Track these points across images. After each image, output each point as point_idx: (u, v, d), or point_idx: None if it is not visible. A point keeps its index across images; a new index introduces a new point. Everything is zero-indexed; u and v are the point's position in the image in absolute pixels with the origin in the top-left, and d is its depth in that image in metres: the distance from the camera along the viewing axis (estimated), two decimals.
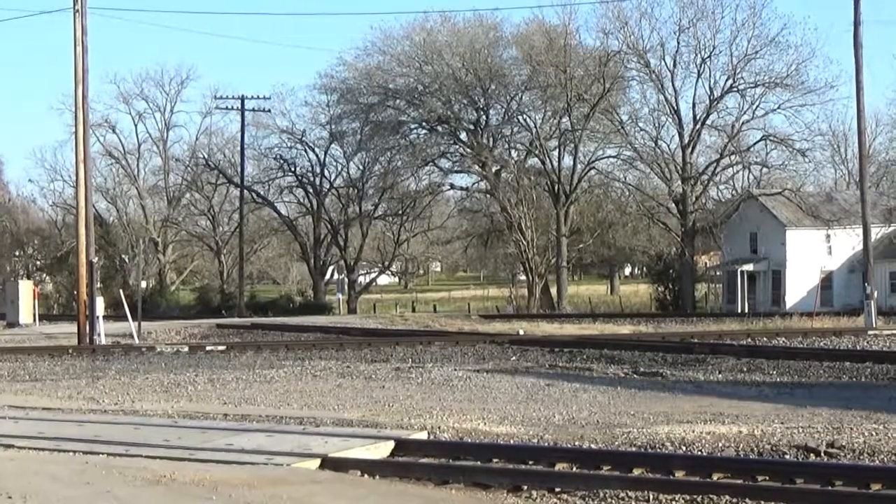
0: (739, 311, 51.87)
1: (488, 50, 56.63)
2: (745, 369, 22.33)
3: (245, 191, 64.27)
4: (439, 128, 58.71)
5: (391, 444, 13.23)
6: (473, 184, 61.54)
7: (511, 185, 56.44)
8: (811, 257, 53.65)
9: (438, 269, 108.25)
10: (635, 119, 56.14)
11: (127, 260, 69.55)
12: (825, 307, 48.28)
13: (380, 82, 58.11)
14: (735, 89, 53.43)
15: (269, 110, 64.82)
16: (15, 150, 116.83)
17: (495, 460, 12.46)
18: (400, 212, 63.17)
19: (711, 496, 10.57)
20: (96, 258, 36.07)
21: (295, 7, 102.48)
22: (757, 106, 53.67)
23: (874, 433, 13.66)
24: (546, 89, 55.29)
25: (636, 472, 11.60)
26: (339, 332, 36.26)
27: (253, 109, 64.36)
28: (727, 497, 10.53)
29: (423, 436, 14.05)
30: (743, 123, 54.18)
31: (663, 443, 13.38)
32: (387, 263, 69.93)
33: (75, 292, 37.39)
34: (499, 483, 11.48)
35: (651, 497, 10.70)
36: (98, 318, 33.50)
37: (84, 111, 34.26)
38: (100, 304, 33.91)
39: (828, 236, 53.84)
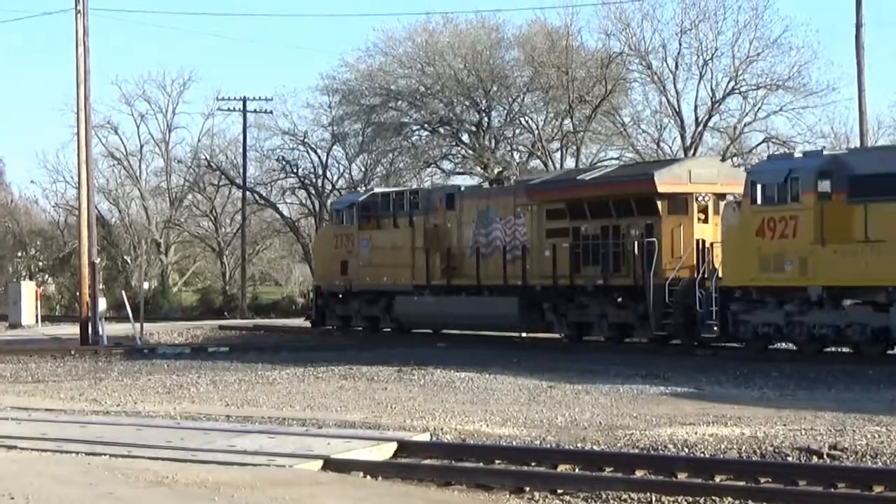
0: None
1: (490, 51, 56.54)
2: (747, 371, 22.32)
3: (247, 192, 64.31)
4: (441, 129, 58.65)
5: (394, 446, 13.25)
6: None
7: None
8: None
9: None
10: (637, 121, 56.02)
11: (129, 261, 69.54)
12: None
13: (382, 84, 58.05)
14: (737, 91, 53.30)
15: (271, 112, 64.84)
16: (17, 152, 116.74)
17: (498, 462, 12.47)
18: None
19: (714, 498, 10.58)
20: (98, 259, 36.09)
21: (297, 9, 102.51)
22: (759, 108, 53.53)
23: (876, 435, 13.67)
24: (548, 91, 55.21)
25: (639, 473, 11.62)
26: (342, 333, 36.23)
27: (255, 111, 64.37)
28: (730, 499, 10.54)
29: (425, 437, 14.07)
30: (745, 125, 54.08)
31: (666, 445, 13.39)
32: None
33: (77, 293, 37.38)
34: (501, 484, 11.50)
35: (654, 499, 10.71)
36: (100, 319, 33.54)
37: (86, 112, 34.29)
38: (102, 305, 33.94)
39: None
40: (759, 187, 24.29)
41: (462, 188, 34.72)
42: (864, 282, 22.78)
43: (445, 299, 32.01)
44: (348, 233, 35.08)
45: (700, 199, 27.19)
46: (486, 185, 36.29)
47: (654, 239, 27.00)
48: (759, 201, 24.19)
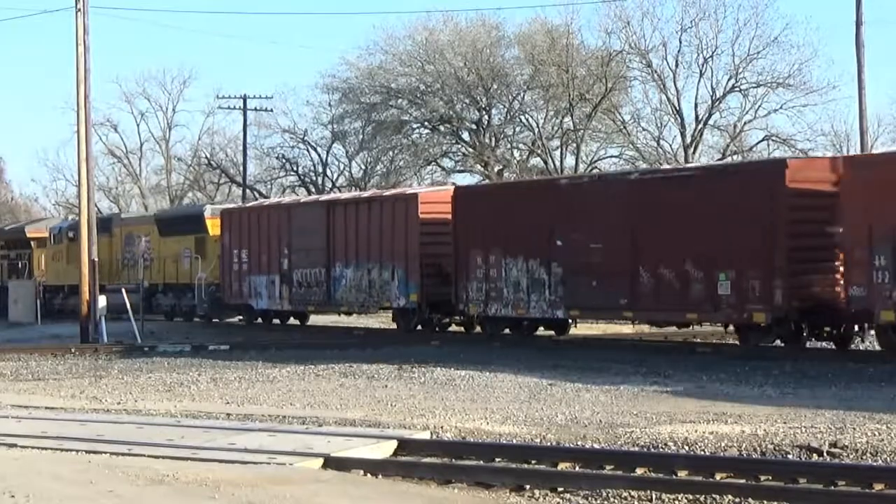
0: None
1: (490, 49, 56.52)
2: (747, 369, 22.31)
3: (247, 190, 64.35)
4: (441, 127, 58.66)
5: (394, 444, 13.25)
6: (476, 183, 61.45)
7: None
8: None
9: None
10: (637, 119, 56.00)
11: None
12: None
13: (382, 82, 58.05)
14: (737, 89, 53.29)
15: (272, 110, 64.97)
16: (17, 150, 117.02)
17: (498, 460, 12.47)
18: None
19: (714, 496, 10.58)
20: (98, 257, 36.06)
21: (297, 7, 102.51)
22: (759, 106, 53.51)
23: (877, 433, 13.67)
24: (548, 89, 55.20)
25: (639, 471, 11.62)
26: (342, 331, 36.26)
27: (255, 109, 64.44)
28: (730, 497, 10.54)
29: (425, 435, 14.07)
30: (745, 123, 54.05)
31: (666, 442, 13.40)
32: None
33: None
34: (502, 482, 11.49)
35: (654, 497, 10.70)
36: (101, 317, 33.54)
37: (86, 110, 34.27)
38: (102, 303, 33.94)
39: None
40: (52, 234, 47.11)
41: None
42: (71, 281, 40.80)
43: None
44: None
45: None
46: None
47: (27, 262, 48.83)
48: (53, 242, 46.98)
